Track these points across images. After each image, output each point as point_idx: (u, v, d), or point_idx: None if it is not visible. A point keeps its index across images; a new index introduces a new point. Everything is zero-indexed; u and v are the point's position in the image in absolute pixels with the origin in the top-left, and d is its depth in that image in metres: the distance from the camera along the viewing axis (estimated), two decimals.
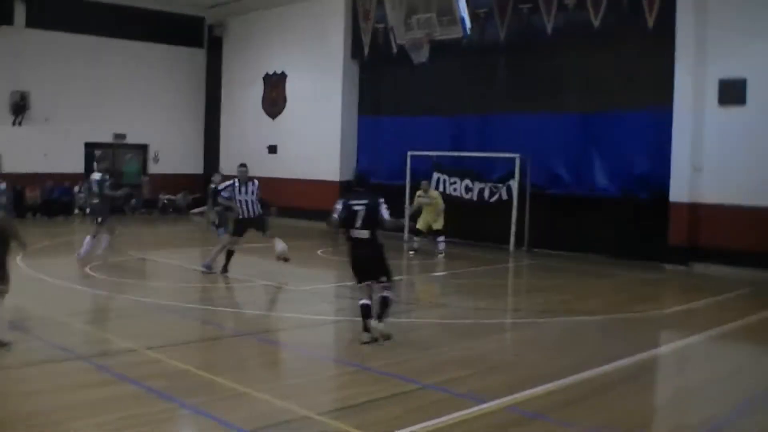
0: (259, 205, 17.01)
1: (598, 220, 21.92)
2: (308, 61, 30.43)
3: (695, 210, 20.05)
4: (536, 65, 24.03)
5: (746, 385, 9.75)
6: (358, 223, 11.07)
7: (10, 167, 28.18)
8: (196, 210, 28.74)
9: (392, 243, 22.05)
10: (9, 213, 9.03)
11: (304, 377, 9.58)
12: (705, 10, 19.84)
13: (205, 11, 34.45)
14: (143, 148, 33.38)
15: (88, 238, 18.28)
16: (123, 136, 32.43)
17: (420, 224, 21.41)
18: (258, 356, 10.66)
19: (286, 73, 31.52)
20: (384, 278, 11.28)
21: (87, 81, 31.01)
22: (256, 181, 17.23)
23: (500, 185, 22.91)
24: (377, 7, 27.17)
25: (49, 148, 29.10)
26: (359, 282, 11.37)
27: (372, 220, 11.09)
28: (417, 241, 21.32)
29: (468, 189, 23.81)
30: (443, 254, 20.96)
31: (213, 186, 18.01)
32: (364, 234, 11.09)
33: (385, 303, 11.27)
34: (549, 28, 22.61)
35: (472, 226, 22.22)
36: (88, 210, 21.13)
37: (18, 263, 17.67)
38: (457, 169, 24.69)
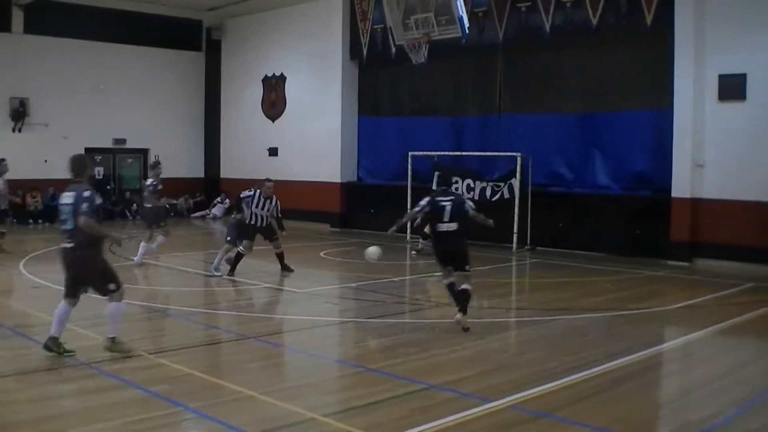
0: (270, 222, 17.32)
1: (600, 218, 21.93)
2: (307, 62, 30.43)
3: (697, 206, 20.06)
4: (535, 64, 24.05)
5: (751, 381, 9.75)
6: (446, 217, 12.09)
7: (10, 174, 28.13)
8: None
9: (396, 244, 22.15)
10: (89, 217, 9.19)
11: (308, 379, 9.58)
12: (703, 6, 19.85)
13: (203, 14, 34.47)
14: (143, 153, 33.35)
15: (142, 243, 18.82)
16: (123, 141, 32.42)
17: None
18: (262, 359, 10.64)
19: (285, 75, 31.53)
20: (468, 267, 12.28)
21: (86, 86, 30.98)
22: (275, 199, 17.38)
23: (501, 184, 22.88)
24: (375, 7, 27.18)
25: (50, 154, 29.08)
26: (445, 267, 12.40)
27: (459, 214, 12.17)
28: (422, 243, 21.23)
29: (469, 188, 23.77)
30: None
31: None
32: (452, 227, 12.12)
33: (466, 295, 12.23)
34: (547, 27, 22.63)
35: (473, 225, 22.09)
36: (139, 216, 21.16)
37: (21, 269, 17.73)
38: (458, 168, 24.70)
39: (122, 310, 10.45)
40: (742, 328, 13.01)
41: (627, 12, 21.09)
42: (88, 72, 30.98)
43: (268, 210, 17.24)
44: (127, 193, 32.42)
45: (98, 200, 9.89)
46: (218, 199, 33.54)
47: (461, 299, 12.24)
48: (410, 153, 25.36)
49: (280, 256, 17.74)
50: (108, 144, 32.00)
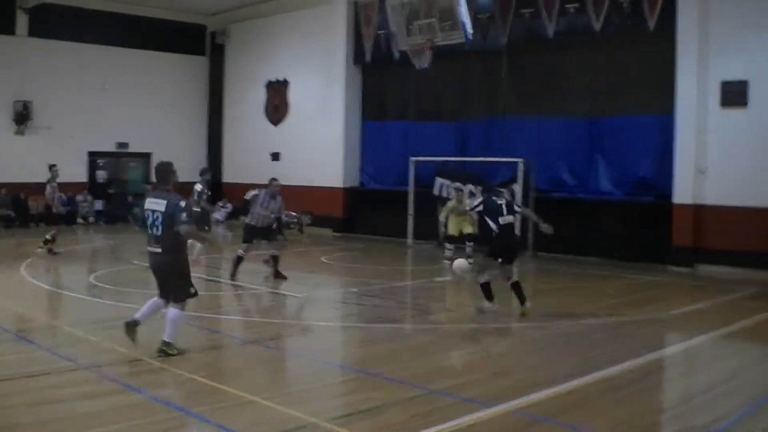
0: (270, 222, 17.24)
1: (602, 223, 21.94)
2: (310, 67, 30.47)
3: (699, 212, 20.08)
4: (538, 69, 24.06)
5: (753, 386, 9.74)
6: (505, 212, 13.56)
7: (14, 176, 28.17)
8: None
9: (397, 250, 22.14)
10: (190, 225, 9.77)
11: (310, 384, 9.57)
12: (706, 12, 19.90)
13: (207, 19, 34.54)
14: (146, 157, 33.35)
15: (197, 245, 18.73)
16: (126, 145, 32.44)
17: (452, 230, 21.07)
18: (264, 363, 10.64)
19: (288, 79, 31.57)
20: (516, 260, 13.97)
21: (89, 90, 31.09)
22: (279, 199, 17.33)
23: (504, 190, 22.85)
24: (378, 13, 27.19)
25: (53, 158, 29.10)
26: (496, 259, 13.66)
27: (512, 210, 13.79)
28: (451, 249, 20.98)
29: (471, 194, 23.79)
30: (472, 259, 20.93)
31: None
32: (511, 219, 13.71)
33: (519, 286, 13.71)
34: (551, 31, 22.68)
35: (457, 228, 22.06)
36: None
37: (22, 272, 17.74)
38: (461, 173, 24.71)
39: (184, 318, 10.67)
40: (744, 333, 13.02)
41: (630, 17, 21.13)
42: (92, 75, 31.09)
43: (272, 209, 17.17)
44: (130, 197, 32.40)
45: (192, 206, 10.13)
46: (220, 203, 33.45)
47: (517, 289, 13.69)
48: (412, 159, 25.39)
49: (275, 260, 17.53)
50: (111, 148, 32.05)
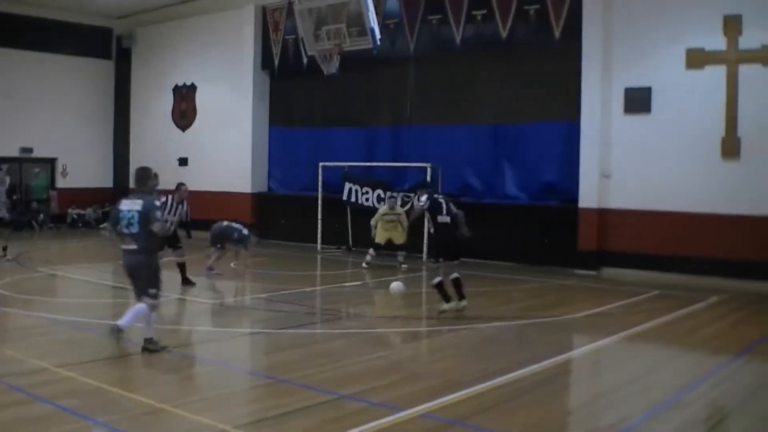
0: (176, 229, 17.10)
1: (509, 228, 22.19)
2: (218, 72, 30.26)
3: (603, 216, 20.45)
4: (446, 76, 24.25)
5: (658, 387, 9.93)
6: (444, 211, 14.27)
7: None
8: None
9: (307, 255, 22.12)
10: (163, 223, 10.49)
11: (219, 390, 9.51)
12: (610, 21, 20.32)
13: (113, 22, 34.04)
14: (51, 162, 32.79)
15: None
16: (30, 150, 31.79)
17: (379, 238, 21.14)
18: (172, 371, 10.53)
19: (196, 84, 31.30)
20: (458, 259, 14.49)
21: None
22: (186, 203, 17.19)
23: (412, 195, 22.99)
24: (287, 18, 27.15)
25: None
26: (438, 259, 14.47)
27: (449, 211, 14.37)
28: (372, 255, 21.10)
29: (380, 199, 23.91)
30: (406, 266, 21.00)
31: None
32: (447, 219, 14.32)
33: (459, 282, 14.30)
34: (458, 39, 22.85)
35: (384, 236, 22.18)
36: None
37: None
38: (369, 179, 24.83)
39: (145, 314, 11.09)
40: (649, 335, 13.27)
41: (536, 26, 21.44)
42: None
43: (179, 214, 17.01)
44: (34, 203, 31.79)
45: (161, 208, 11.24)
46: None
47: (456, 285, 14.29)
48: (320, 164, 25.42)
49: (182, 267, 17.40)
50: (14, 153, 31.34)
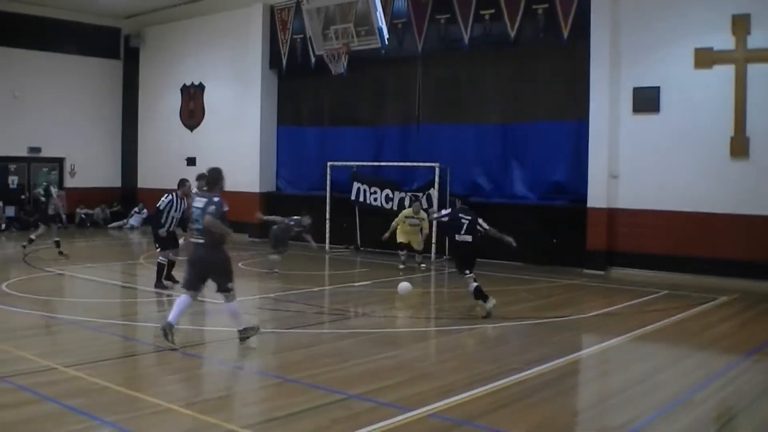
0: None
1: (517, 228, 22.00)
2: (226, 72, 30.30)
3: (612, 216, 20.43)
4: (454, 75, 24.26)
5: (667, 387, 9.90)
6: (463, 230, 14.57)
7: None
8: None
9: (318, 255, 22.11)
10: (215, 218, 10.83)
11: (228, 391, 9.52)
12: (618, 21, 20.31)
13: (121, 22, 34.08)
14: (59, 162, 32.82)
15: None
16: (38, 150, 31.83)
17: (401, 237, 21.04)
18: (181, 371, 10.51)
19: (204, 84, 31.34)
20: (469, 271, 14.68)
21: (0, 93, 30.44)
22: (185, 200, 17.14)
23: (420, 194, 22.98)
24: (295, 17, 27.17)
25: None
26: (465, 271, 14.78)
27: (472, 230, 14.64)
28: (404, 255, 21.02)
29: (388, 198, 23.92)
30: (424, 266, 21.04)
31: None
32: (468, 238, 14.64)
33: (479, 290, 14.47)
34: (466, 38, 22.84)
35: (392, 236, 22.18)
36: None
37: None
38: (377, 179, 24.82)
39: (237, 307, 11.75)
40: (658, 335, 13.23)
41: (544, 26, 21.42)
42: (2, 79, 30.43)
43: (181, 211, 16.96)
44: (43, 204, 31.75)
45: (225, 207, 11.61)
46: (136, 209, 33.14)
47: (477, 293, 14.53)
48: (329, 163, 25.42)
49: (171, 266, 17.20)
50: (23, 153, 31.39)
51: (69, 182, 32.83)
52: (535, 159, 22.52)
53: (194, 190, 18.45)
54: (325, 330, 13.45)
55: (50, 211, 22.83)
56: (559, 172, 22.05)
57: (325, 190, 25.51)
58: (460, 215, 14.76)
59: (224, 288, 11.55)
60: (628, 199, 20.32)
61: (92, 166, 33.17)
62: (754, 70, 18.46)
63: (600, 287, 18.65)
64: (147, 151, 33.82)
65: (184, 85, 32.07)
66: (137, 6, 32.17)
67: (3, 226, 30.29)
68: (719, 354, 12.13)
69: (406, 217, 21.10)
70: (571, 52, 21.42)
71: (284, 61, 28.12)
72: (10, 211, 31.05)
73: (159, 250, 17.08)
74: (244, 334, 11.65)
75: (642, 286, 18.34)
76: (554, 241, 21.56)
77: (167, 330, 11.21)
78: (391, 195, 23.90)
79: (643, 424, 8.29)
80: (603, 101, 20.47)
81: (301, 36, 26.72)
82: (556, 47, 21.51)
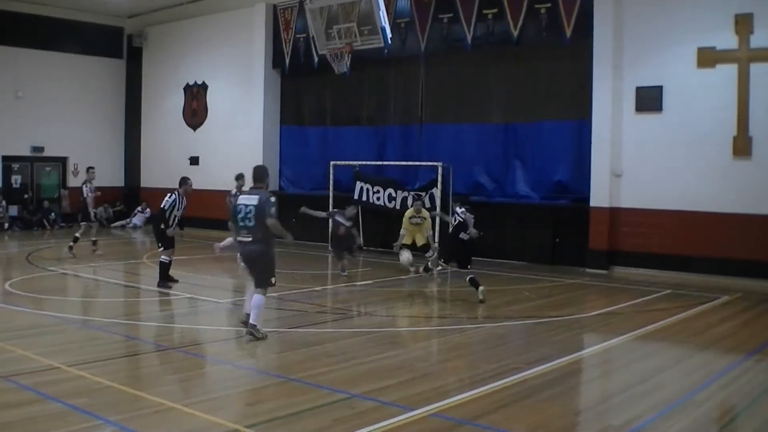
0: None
1: (520, 227, 22.20)
2: (229, 71, 30.32)
3: (614, 215, 20.44)
4: (457, 74, 24.29)
5: (669, 386, 9.91)
6: (468, 229, 15.89)
7: None
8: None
9: (320, 254, 22.10)
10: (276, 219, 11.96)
11: (230, 390, 9.53)
12: (621, 20, 20.30)
13: (124, 21, 34.14)
14: (62, 161, 32.84)
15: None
16: (41, 149, 31.86)
17: (407, 239, 20.98)
18: (184, 370, 10.52)
19: (207, 83, 31.36)
20: (470, 266, 16.10)
21: (3, 92, 30.48)
22: (186, 200, 17.18)
23: (423, 194, 22.98)
24: (298, 17, 27.20)
25: None
26: (448, 263, 16.90)
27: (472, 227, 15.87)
28: (412, 264, 20.91)
29: (391, 198, 23.94)
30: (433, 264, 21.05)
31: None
32: (466, 236, 15.88)
33: (475, 280, 15.84)
34: (469, 38, 22.87)
35: (395, 235, 22.17)
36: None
37: None
38: (380, 178, 24.83)
39: (263, 302, 12.02)
40: (660, 334, 13.24)
41: (547, 25, 21.44)
42: (5, 78, 30.48)
43: (183, 210, 16.99)
44: (45, 203, 31.84)
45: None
46: (139, 208, 33.17)
47: (474, 282, 15.82)
48: (332, 162, 25.44)
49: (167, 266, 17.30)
50: (26, 152, 31.43)
51: (72, 182, 32.79)
52: (537, 158, 22.53)
53: (233, 191, 18.62)
54: (328, 329, 13.45)
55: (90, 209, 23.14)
56: (561, 171, 22.07)
57: (328, 189, 25.52)
58: (468, 215, 15.89)
59: (263, 284, 11.94)
60: (630, 199, 20.33)
61: (95, 166, 33.06)
62: (757, 69, 18.47)
63: (602, 286, 18.66)
64: (150, 150, 33.84)
65: (187, 84, 32.09)
66: (140, 5, 32.25)
67: (6, 225, 30.31)
68: (721, 354, 12.12)
69: (410, 217, 21.07)
70: (573, 52, 21.45)
71: (287, 61, 28.15)
72: (14, 210, 31.06)
73: (161, 249, 17.09)
74: (253, 331, 11.80)
75: (644, 285, 18.35)
76: (557, 240, 21.61)
77: (254, 332, 11.82)
78: (393, 194, 23.91)
79: (645, 423, 8.30)
80: (606, 100, 20.47)
81: (304, 35, 26.75)
82: (559, 47, 21.53)
